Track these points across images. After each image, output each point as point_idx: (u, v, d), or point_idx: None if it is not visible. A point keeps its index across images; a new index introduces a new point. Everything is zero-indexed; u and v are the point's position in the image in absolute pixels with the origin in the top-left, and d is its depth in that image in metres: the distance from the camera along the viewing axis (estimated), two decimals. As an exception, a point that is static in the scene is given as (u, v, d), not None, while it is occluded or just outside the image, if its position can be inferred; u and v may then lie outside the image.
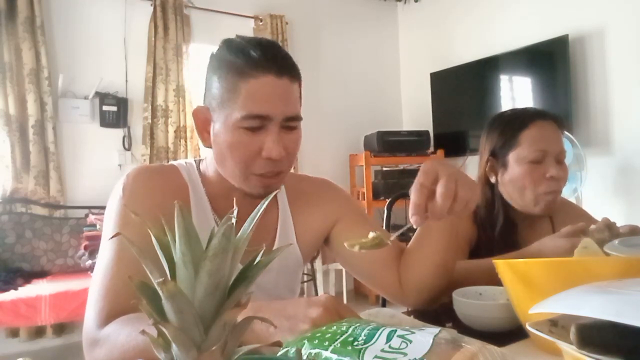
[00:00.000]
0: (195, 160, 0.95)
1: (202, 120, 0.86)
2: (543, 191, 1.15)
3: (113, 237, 0.79)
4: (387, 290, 0.99)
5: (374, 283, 1.00)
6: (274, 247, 0.90)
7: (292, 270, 0.99)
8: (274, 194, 0.50)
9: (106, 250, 0.81)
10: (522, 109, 1.27)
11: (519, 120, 1.20)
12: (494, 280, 0.77)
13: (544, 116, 1.20)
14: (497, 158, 1.22)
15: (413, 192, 0.72)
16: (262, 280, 0.90)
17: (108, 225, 0.84)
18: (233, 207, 0.43)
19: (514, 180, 1.18)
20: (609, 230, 0.93)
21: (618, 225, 1.05)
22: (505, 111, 1.29)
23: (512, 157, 1.19)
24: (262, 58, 0.79)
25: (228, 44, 0.83)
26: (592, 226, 0.94)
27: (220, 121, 0.82)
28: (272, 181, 0.84)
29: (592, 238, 0.89)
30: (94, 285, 0.79)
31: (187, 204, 0.87)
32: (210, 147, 0.86)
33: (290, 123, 0.83)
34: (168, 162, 3.26)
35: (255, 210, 0.42)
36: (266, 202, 0.43)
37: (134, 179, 0.85)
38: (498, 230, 1.19)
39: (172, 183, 0.88)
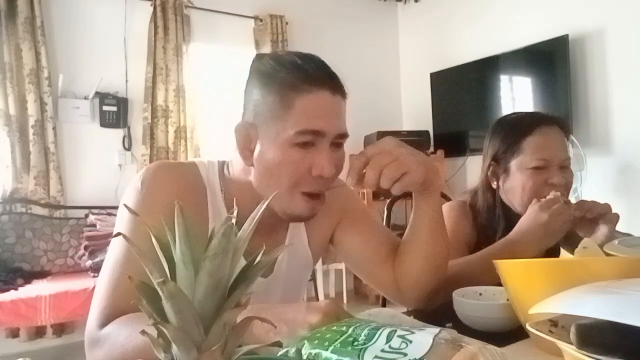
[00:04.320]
0: (218, 162, 0.91)
1: (244, 138, 0.81)
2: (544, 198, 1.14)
3: (114, 236, 0.78)
4: (384, 288, 0.99)
5: (373, 281, 1.00)
6: (283, 252, 0.90)
7: (302, 270, 0.99)
8: (273, 194, 0.50)
9: (115, 248, 0.79)
10: (527, 113, 1.24)
11: (521, 126, 1.17)
12: (492, 273, 0.77)
13: (548, 122, 1.16)
14: (499, 163, 1.20)
15: (354, 157, 0.78)
16: (270, 281, 0.90)
17: (121, 219, 0.82)
18: (251, 213, 0.42)
19: (516, 187, 1.15)
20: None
21: (618, 228, 1.07)
22: (510, 115, 1.26)
23: (514, 164, 1.16)
24: (318, 73, 0.78)
25: (277, 59, 0.80)
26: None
27: (269, 138, 0.78)
28: (317, 203, 0.82)
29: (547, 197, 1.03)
30: (100, 284, 0.79)
31: (204, 204, 0.85)
32: (252, 166, 0.82)
33: (339, 140, 0.82)
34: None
35: (256, 210, 0.42)
36: (266, 202, 0.43)
37: (154, 173, 0.83)
38: (499, 236, 1.16)
39: (191, 182, 0.86)
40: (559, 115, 1.26)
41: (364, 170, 0.78)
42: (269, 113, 0.78)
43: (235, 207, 0.43)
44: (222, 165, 0.91)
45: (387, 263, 0.95)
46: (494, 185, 1.22)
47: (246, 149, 0.82)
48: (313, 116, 0.77)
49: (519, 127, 1.18)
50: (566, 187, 1.15)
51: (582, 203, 1.07)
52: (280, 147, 0.78)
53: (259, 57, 0.86)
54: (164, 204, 0.72)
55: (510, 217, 1.18)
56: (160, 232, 0.39)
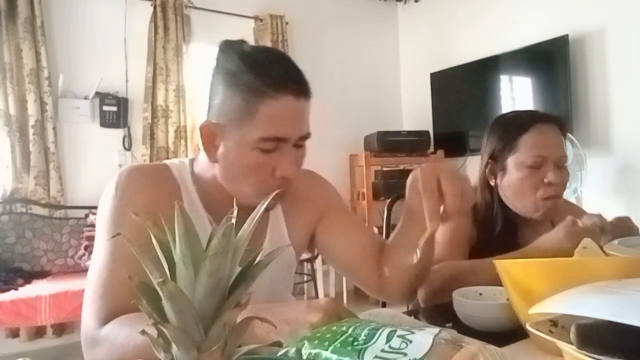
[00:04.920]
0: (188, 160, 0.93)
1: (209, 136, 0.82)
2: (541, 197, 1.13)
3: (113, 237, 0.79)
4: (367, 285, 1.00)
5: (355, 277, 1.01)
6: (264, 244, 0.91)
7: (286, 268, 1.00)
8: (273, 194, 0.50)
9: (101, 250, 0.80)
10: (524, 111, 1.25)
11: (518, 123, 1.18)
12: (494, 281, 0.77)
13: (545, 120, 1.17)
14: (497, 161, 1.20)
15: (425, 199, 0.74)
16: (257, 280, 0.90)
17: (101, 224, 0.83)
18: (226, 207, 0.43)
19: (513, 185, 1.16)
20: (598, 218, 0.98)
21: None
22: (508, 113, 1.27)
23: (510, 161, 1.17)
24: (281, 77, 0.78)
25: (242, 57, 0.80)
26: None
27: (234, 140, 0.80)
28: (280, 193, 0.84)
29: (582, 224, 0.95)
30: (90, 285, 0.79)
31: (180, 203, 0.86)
32: (216, 162, 0.83)
33: (302, 142, 0.83)
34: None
35: (255, 210, 0.43)
36: (266, 202, 0.43)
37: (127, 178, 0.84)
38: (497, 232, 1.17)
39: (165, 182, 0.87)
40: (558, 115, 1.26)
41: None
42: (233, 115, 0.79)
43: (235, 207, 0.43)
44: (192, 163, 0.93)
45: (372, 260, 0.96)
46: (492, 182, 1.22)
47: (211, 146, 0.83)
48: (277, 123, 0.78)
49: (515, 124, 1.19)
50: (562, 186, 1.16)
51: (616, 231, 0.98)
52: (244, 150, 0.79)
53: (226, 48, 0.84)
54: (140, 207, 0.73)
55: (509, 215, 1.20)
56: (158, 232, 0.39)
